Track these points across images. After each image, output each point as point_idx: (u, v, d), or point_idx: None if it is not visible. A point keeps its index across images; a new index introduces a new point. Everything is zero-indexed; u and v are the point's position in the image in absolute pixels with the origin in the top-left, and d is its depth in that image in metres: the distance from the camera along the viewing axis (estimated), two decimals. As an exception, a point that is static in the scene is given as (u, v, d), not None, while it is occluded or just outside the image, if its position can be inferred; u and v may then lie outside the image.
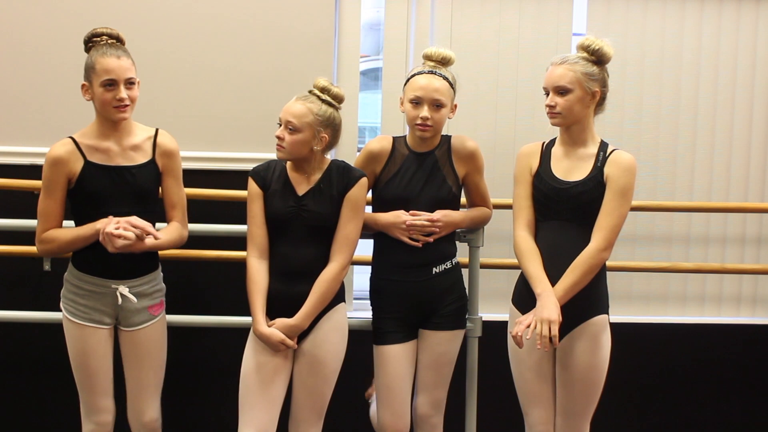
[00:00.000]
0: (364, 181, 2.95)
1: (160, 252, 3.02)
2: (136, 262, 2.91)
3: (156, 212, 2.97)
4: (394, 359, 3.03)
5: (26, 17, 3.63)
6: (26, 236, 3.54)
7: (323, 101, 2.90)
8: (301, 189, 2.93)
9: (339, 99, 2.95)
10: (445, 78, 3.00)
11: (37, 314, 3.45)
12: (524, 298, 2.92)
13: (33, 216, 3.49)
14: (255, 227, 2.95)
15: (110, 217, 2.81)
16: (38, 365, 3.74)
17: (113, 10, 3.62)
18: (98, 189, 2.86)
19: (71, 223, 2.93)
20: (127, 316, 2.94)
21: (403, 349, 3.05)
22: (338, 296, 2.97)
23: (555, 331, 2.72)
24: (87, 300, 2.91)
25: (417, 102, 2.97)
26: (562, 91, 2.84)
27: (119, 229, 2.75)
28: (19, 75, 3.63)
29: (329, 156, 3.02)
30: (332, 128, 2.92)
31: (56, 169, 2.86)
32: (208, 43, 3.67)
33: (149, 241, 2.82)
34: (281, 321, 2.90)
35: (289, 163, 2.96)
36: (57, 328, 3.32)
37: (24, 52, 3.63)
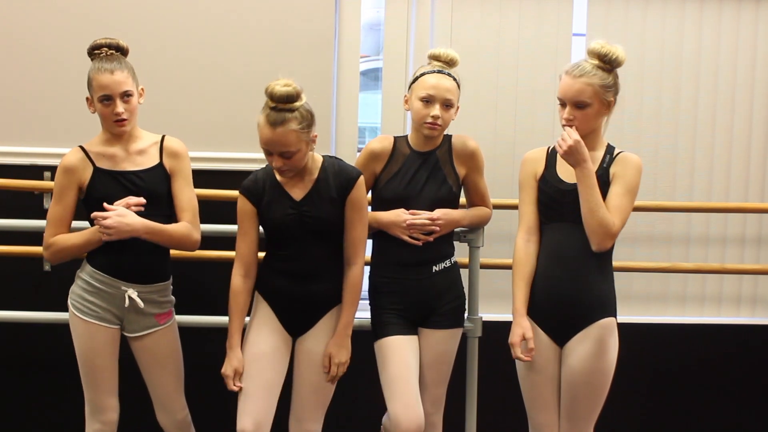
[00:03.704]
0: (361, 180, 2.93)
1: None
2: (148, 268, 2.95)
3: (169, 215, 3.00)
4: (398, 348, 3.01)
5: (27, 18, 3.62)
6: (26, 236, 3.55)
7: (295, 110, 2.77)
8: (297, 193, 2.90)
9: (301, 94, 2.80)
10: (454, 79, 3.02)
11: (36, 314, 3.45)
12: (533, 303, 2.93)
13: (33, 216, 3.52)
14: (244, 245, 2.93)
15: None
16: (38, 366, 3.74)
17: (113, 11, 3.62)
18: (107, 194, 2.90)
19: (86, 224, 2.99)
20: (131, 320, 2.97)
21: (406, 339, 3.03)
22: (338, 296, 2.97)
23: (515, 354, 2.90)
24: (95, 298, 2.93)
25: (428, 100, 2.97)
26: (581, 105, 2.82)
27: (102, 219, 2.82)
28: (20, 75, 3.63)
29: (318, 152, 2.99)
30: (313, 122, 2.83)
31: (66, 176, 2.93)
32: (207, 44, 3.68)
33: (151, 224, 2.85)
34: (331, 342, 2.91)
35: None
36: (57, 328, 3.32)
37: (25, 53, 3.63)
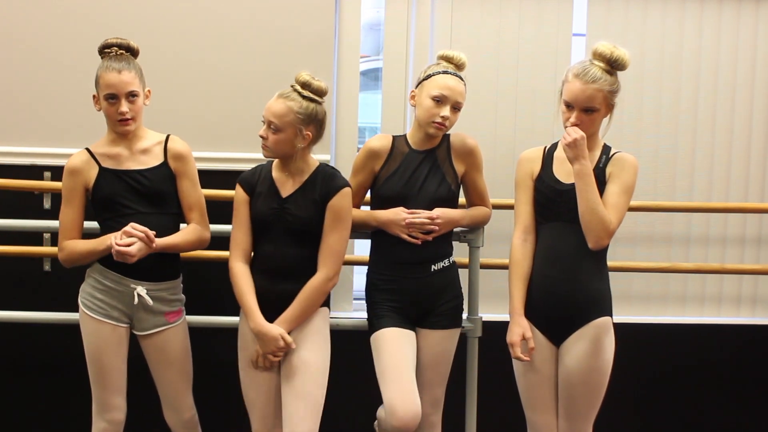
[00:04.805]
0: (347, 191, 2.92)
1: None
2: (158, 266, 2.96)
3: (176, 213, 3.03)
4: (393, 339, 2.99)
5: (27, 18, 3.63)
6: (26, 236, 3.56)
7: (305, 97, 2.87)
8: (285, 191, 2.93)
9: (321, 93, 2.91)
10: (464, 83, 3.03)
11: (36, 314, 3.45)
12: (529, 303, 2.94)
13: (33, 216, 3.53)
14: (240, 232, 2.96)
15: (115, 233, 2.86)
16: (38, 366, 3.74)
17: (113, 12, 3.63)
18: (113, 193, 2.94)
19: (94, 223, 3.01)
20: (140, 318, 2.98)
21: (401, 332, 3.02)
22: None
23: (515, 353, 2.90)
24: (105, 296, 2.95)
25: (440, 100, 2.98)
26: (590, 110, 2.82)
27: (122, 246, 2.82)
28: (20, 75, 3.64)
29: (319, 158, 3.01)
30: (315, 124, 2.90)
31: (72, 178, 2.96)
32: (207, 44, 3.68)
33: (161, 241, 2.89)
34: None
35: (275, 164, 2.97)
36: (57, 328, 3.33)
37: (25, 53, 3.63)
